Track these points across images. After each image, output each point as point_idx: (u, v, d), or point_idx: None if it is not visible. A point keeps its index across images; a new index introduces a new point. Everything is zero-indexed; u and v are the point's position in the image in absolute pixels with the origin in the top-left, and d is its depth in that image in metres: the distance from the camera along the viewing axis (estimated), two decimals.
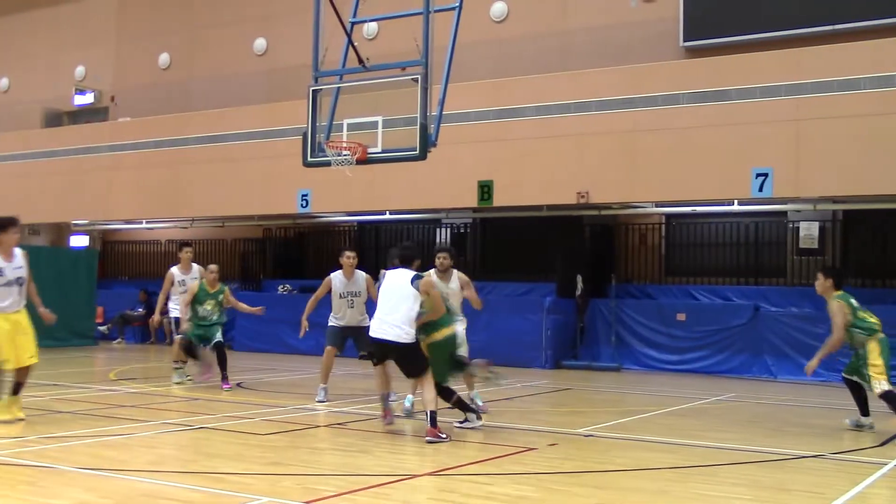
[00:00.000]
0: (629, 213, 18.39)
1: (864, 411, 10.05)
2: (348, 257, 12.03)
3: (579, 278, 17.72)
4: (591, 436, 9.45)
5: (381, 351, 9.36)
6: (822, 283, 10.15)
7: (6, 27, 28.50)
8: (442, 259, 10.73)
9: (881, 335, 9.89)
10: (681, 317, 16.91)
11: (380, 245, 21.65)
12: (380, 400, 9.71)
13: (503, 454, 8.30)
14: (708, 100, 15.90)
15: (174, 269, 13.84)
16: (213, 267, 13.32)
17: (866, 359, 9.81)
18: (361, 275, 12.09)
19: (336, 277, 11.99)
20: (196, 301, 12.91)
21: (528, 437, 9.34)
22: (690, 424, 10.69)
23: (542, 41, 19.75)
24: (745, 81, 15.71)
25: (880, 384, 9.72)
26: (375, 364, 9.61)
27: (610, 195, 16.93)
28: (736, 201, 16.70)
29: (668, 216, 18.64)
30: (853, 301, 10.04)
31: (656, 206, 17.74)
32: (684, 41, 18.13)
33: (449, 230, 20.56)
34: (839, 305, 9.93)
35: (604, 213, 18.14)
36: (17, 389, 9.54)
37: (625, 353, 17.32)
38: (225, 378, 12.81)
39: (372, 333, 9.32)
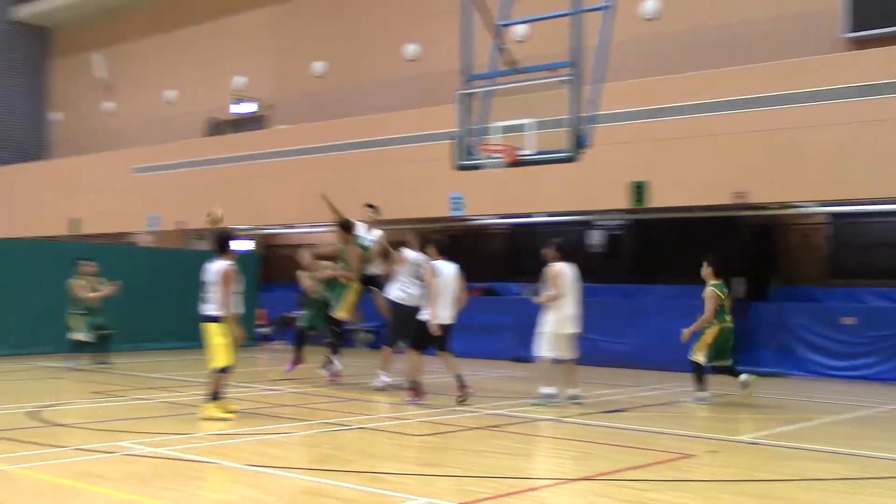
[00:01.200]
0: (790, 212, 17.72)
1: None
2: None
3: (739, 281, 17.19)
4: (754, 443, 9.16)
5: (446, 333, 11.57)
6: (704, 270, 12.50)
7: (171, 42, 29.81)
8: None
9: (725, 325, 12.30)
10: (848, 321, 16.16)
11: (533, 248, 21.57)
12: (416, 384, 11.57)
13: (661, 460, 8.13)
14: (875, 93, 15.12)
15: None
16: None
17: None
18: None
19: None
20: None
21: (687, 443, 9.12)
22: (861, 433, 10.22)
23: (695, 38, 19.26)
24: None
25: (695, 355, 12.31)
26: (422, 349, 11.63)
27: (770, 195, 16.34)
28: None
29: (834, 215, 17.86)
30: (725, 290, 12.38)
31: (820, 205, 17.01)
32: (848, 32, 17.35)
33: (602, 232, 20.31)
34: (712, 292, 12.28)
35: (763, 213, 17.55)
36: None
37: (788, 358, 16.69)
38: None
39: (446, 321, 11.47)
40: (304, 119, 24.44)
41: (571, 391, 11.83)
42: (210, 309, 9.93)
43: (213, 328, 9.93)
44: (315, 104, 25.42)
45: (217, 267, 9.98)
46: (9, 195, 29.99)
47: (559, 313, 11.63)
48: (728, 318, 12.37)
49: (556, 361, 11.79)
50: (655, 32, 19.82)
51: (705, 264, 12.55)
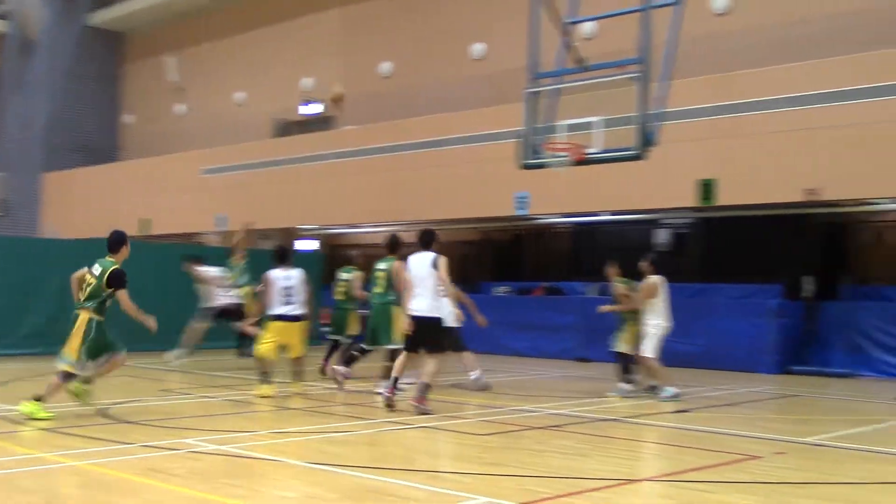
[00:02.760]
0: (864, 209, 17.31)
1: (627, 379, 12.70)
2: None
3: (808, 279, 16.87)
4: (822, 445, 8.96)
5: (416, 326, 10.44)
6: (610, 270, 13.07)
7: (241, 44, 30.20)
8: None
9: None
10: None
11: (597, 247, 21.43)
12: (391, 381, 10.70)
13: (726, 461, 8.00)
14: None
15: None
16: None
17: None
18: None
19: None
20: None
21: (753, 444, 8.95)
22: None
23: (768, 32, 18.91)
24: None
25: (621, 346, 12.72)
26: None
27: (843, 191, 15.98)
28: None
29: None
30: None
31: (894, 202, 16.59)
32: None
33: (669, 230, 20.07)
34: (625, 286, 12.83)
35: (835, 210, 17.16)
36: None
37: (859, 359, 16.32)
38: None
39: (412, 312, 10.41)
40: (371, 119, 24.57)
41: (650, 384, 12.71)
42: (296, 309, 11.72)
43: (299, 326, 11.81)
44: (382, 104, 25.52)
45: (299, 273, 11.90)
46: (83, 196, 30.70)
47: (660, 317, 12.43)
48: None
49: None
50: (725, 28, 19.51)
51: (611, 266, 13.16)
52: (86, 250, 19.24)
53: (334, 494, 6.53)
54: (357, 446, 8.76)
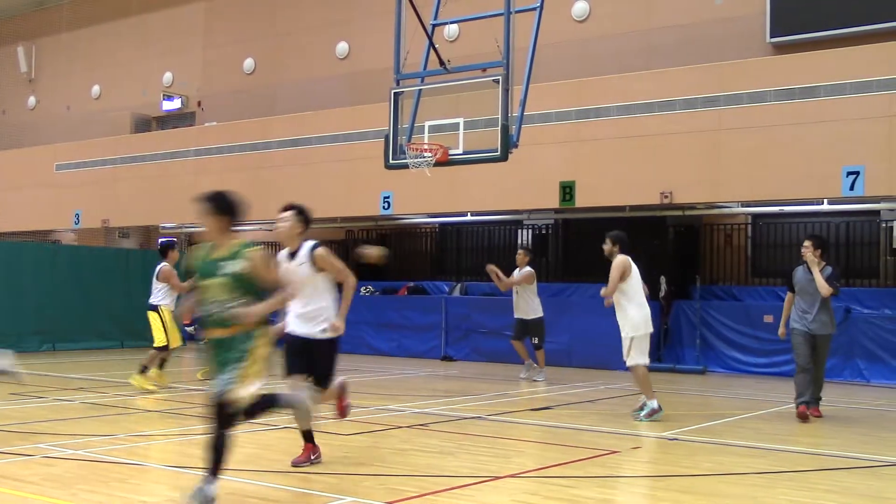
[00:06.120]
0: (714, 213, 18.06)
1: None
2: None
3: (663, 279, 17.47)
4: (676, 439, 9.31)
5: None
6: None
7: (97, 36, 29.28)
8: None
9: None
10: (768, 318, 16.48)
11: (461, 247, 21.66)
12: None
13: (586, 457, 8.22)
14: (796, 97, 15.51)
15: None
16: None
17: None
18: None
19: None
20: None
21: (611, 440, 9.23)
22: (779, 429, 10.44)
23: (624, 40, 19.53)
24: (835, 77, 15.28)
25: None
26: None
27: (694, 195, 16.65)
28: (826, 200, 16.28)
29: (755, 216, 18.25)
30: None
31: (742, 206, 17.38)
32: (771, 37, 17.74)
33: (530, 231, 20.46)
34: None
35: (688, 213, 17.85)
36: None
37: (710, 356, 17.01)
38: None
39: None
40: (234, 116, 24.20)
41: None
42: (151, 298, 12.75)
43: (151, 315, 12.65)
44: (244, 101, 25.19)
45: (158, 267, 12.95)
46: None
47: (643, 311, 10.78)
48: None
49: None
50: (585, 34, 20.04)
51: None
52: None
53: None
54: None
